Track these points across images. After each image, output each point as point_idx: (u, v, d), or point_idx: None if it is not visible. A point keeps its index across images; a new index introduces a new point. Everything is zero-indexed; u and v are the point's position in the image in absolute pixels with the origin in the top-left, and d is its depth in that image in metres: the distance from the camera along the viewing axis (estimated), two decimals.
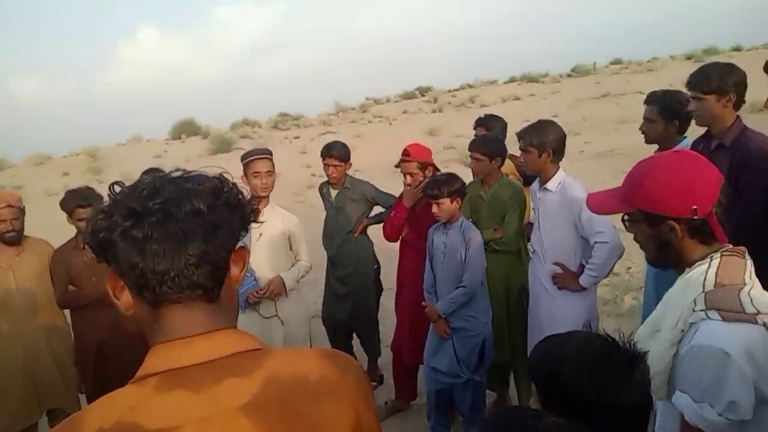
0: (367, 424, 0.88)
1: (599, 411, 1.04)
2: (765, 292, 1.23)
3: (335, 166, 3.75)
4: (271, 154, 3.20)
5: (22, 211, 3.30)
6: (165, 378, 0.79)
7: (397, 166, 3.54)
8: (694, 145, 2.77)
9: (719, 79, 2.50)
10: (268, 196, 3.15)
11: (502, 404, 3.53)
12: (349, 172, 3.92)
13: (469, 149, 3.32)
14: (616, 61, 31.50)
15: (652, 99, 3.07)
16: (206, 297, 0.84)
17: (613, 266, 2.85)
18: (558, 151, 2.86)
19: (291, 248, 3.27)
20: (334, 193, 3.89)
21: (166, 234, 0.79)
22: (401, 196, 3.56)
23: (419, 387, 3.68)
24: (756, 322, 1.17)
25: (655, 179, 1.32)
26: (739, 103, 2.55)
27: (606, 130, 15.44)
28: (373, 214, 3.98)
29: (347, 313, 3.90)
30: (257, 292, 3.05)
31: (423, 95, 28.61)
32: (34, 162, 19.35)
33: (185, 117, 23.98)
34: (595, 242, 2.71)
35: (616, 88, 22.59)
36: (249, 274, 3.03)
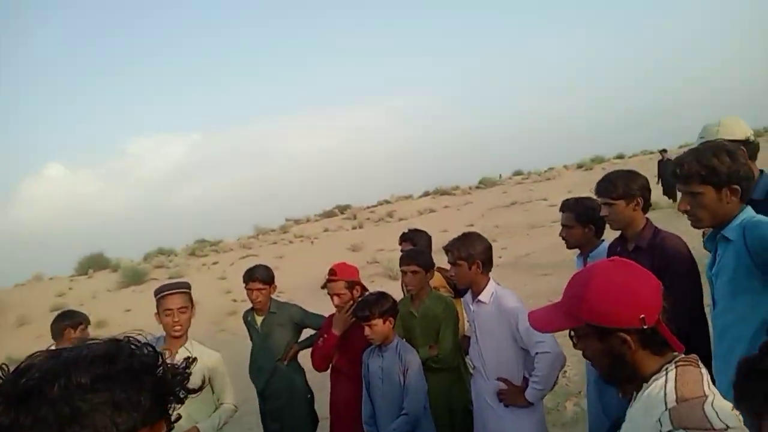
0: None
1: None
2: (725, 401, 1.17)
3: (259, 289, 3.60)
4: (188, 287, 2.97)
5: None
6: None
7: (323, 287, 3.41)
8: (611, 248, 2.87)
9: (624, 185, 2.65)
10: (184, 335, 2.87)
11: None
12: (273, 296, 3.75)
13: (403, 263, 3.26)
14: (518, 172, 34.18)
15: (567, 206, 3.21)
16: None
17: (557, 376, 2.77)
18: (486, 262, 2.86)
19: (213, 391, 2.93)
20: (259, 319, 3.70)
21: (35, 419, 0.65)
22: (329, 318, 3.39)
23: None
24: None
25: (597, 290, 1.29)
26: (647, 205, 2.70)
27: (519, 235, 16.23)
28: (302, 338, 3.78)
29: None
30: None
31: (342, 213, 29.20)
32: None
33: (93, 251, 22.73)
34: (537, 353, 2.64)
35: (521, 197, 24.22)
36: None
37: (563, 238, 3.21)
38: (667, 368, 1.25)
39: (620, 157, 33.32)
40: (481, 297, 2.83)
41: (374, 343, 2.91)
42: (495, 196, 26.62)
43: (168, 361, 0.80)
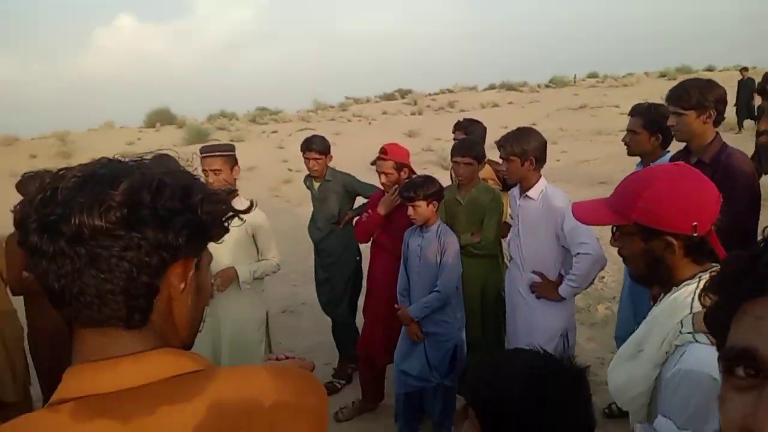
0: None
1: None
2: None
3: (315, 159, 3.80)
4: (226, 149, 3.08)
5: None
6: (83, 404, 0.68)
7: (373, 164, 3.49)
8: (673, 160, 2.77)
9: (699, 95, 2.50)
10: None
11: None
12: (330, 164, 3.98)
13: (457, 153, 3.25)
14: (593, 75, 32.07)
15: (637, 111, 3.07)
16: (126, 325, 0.72)
17: (595, 277, 2.83)
18: (539, 159, 2.83)
19: (257, 246, 3.14)
20: (316, 185, 3.96)
21: (53, 251, 0.67)
22: (377, 193, 3.50)
23: (387, 388, 3.63)
24: None
25: (657, 191, 1.26)
26: (719, 119, 2.56)
27: (582, 140, 15.67)
28: (356, 205, 4.03)
29: (326, 299, 4.03)
30: None
31: (403, 97, 28.66)
32: (1, 143, 18.70)
33: (160, 106, 23.52)
34: (578, 253, 2.68)
35: (592, 101, 22.98)
36: None
37: (626, 144, 3.11)
38: (700, 276, 1.25)
39: (710, 69, 30.58)
40: (529, 193, 2.84)
41: (416, 224, 3.02)
42: (564, 97, 25.32)
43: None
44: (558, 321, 2.81)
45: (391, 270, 3.28)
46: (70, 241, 0.67)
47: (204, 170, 2.96)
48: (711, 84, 2.57)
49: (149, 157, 0.82)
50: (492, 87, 30.78)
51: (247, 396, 0.73)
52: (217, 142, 5.04)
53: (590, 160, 12.58)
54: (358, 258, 4.03)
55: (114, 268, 0.68)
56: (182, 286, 0.75)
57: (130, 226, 0.68)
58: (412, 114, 24.13)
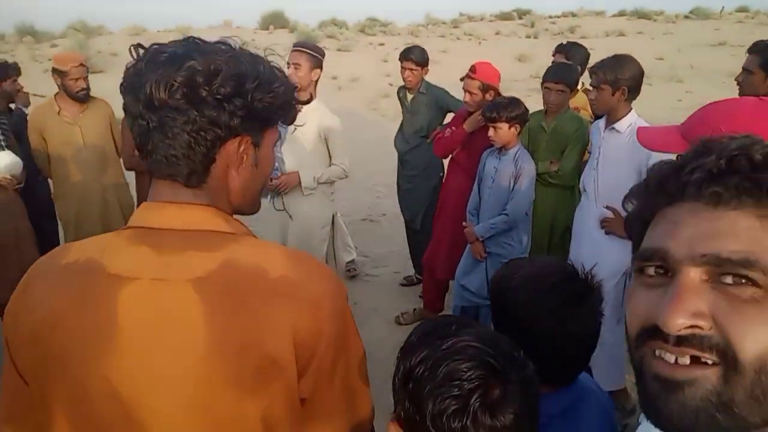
0: (331, 338, 0.84)
1: (540, 336, 1.03)
2: None
3: (412, 69, 3.82)
4: (317, 52, 3.15)
5: (87, 70, 3.58)
6: (137, 232, 0.84)
7: (461, 80, 3.46)
8: None
9: None
10: (306, 91, 3.09)
11: None
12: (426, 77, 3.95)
13: (549, 78, 3.12)
14: (743, 9, 28.16)
15: (756, 48, 2.80)
16: (185, 182, 0.86)
17: None
18: (633, 90, 2.68)
19: (328, 149, 3.25)
20: (410, 97, 3.99)
21: (135, 113, 0.83)
22: (461, 112, 3.49)
23: (448, 302, 3.80)
24: None
25: (735, 127, 1.22)
26: None
27: (712, 82, 14.14)
28: (446, 121, 3.98)
29: (407, 208, 4.17)
30: (271, 180, 3.06)
31: (520, 18, 26.94)
32: (129, 32, 20.05)
33: (275, 8, 23.86)
34: None
35: (735, 38, 20.37)
36: (276, 163, 3.11)
37: (738, 84, 2.87)
38: None
39: None
40: (617, 125, 2.72)
41: (496, 145, 3.02)
42: (703, 31, 22.63)
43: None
44: (622, 258, 2.76)
45: (464, 189, 3.33)
46: (145, 107, 0.81)
47: (288, 63, 3.06)
48: None
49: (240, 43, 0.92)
50: (621, 13, 28.02)
51: (258, 263, 0.83)
52: (329, 51, 5.16)
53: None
54: (441, 174, 4.04)
55: (176, 136, 0.82)
56: (238, 159, 0.87)
57: (189, 103, 0.80)
58: (527, 37, 22.73)
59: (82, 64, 3.51)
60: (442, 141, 3.49)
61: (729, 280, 0.49)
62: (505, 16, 27.87)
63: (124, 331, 0.79)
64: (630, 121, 2.70)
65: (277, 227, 3.30)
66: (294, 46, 3.15)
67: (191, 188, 0.86)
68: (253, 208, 0.96)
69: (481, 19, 27.83)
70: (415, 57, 3.77)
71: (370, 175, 6.91)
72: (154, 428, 0.81)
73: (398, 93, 4.14)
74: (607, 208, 2.80)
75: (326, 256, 3.50)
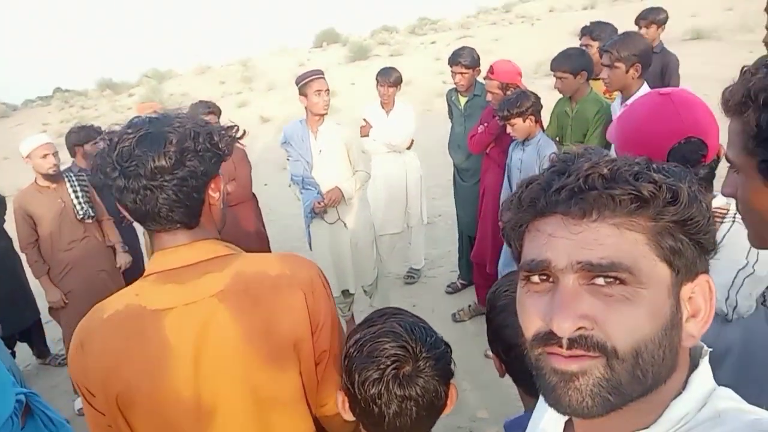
0: (313, 307, 1.12)
1: (516, 356, 1.08)
2: None
3: (462, 73, 3.72)
4: (322, 74, 3.33)
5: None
6: (161, 276, 1.07)
7: (484, 80, 3.52)
8: None
9: None
10: (326, 112, 3.32)
11: None
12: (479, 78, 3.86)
13: (552, 68, 3.17)
14: None
15: None
16: (186, 227, 1.09)
17: None
18: (645, 65, 2.68)
19: (350, 161, 3.45)
20: (463, 100, 3.88)
21: (137, 188, 1.03)
22: (490, 108, 3.54)
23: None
24: None
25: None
26: None
27: None
28: None
29: (468, 218, 4.01)
30: (319, 203, 3.34)
31: None
32: (196, 72, 21.41)
33: (327, 26, 24.52)
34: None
35: None
36: (313, 188, 3.34)
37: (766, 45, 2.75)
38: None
39: None
40: (630, 101, 2.72)
41: (517, 139, 3.08)
42: None
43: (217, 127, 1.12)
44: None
45: (499, 183, 3.40)
46: (148, 179, 1.03)
47: (317, 91, 3.23)
48: None
49: (185, 108, 1.22)
50: None
51: (259, 268, 1.11)
52: (382, 57, 5.26)
53: None
54: None
55: (177, 191, 1.05)
56: (217, 195, 1.13)
57: (182, 164, 1.05)
58: (584, 9, 21.86)
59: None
60: (476, 138, 3.57)
61: (601, 281, 0.58)
62: None
63: (177, 349, 1.03)
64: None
65: (326, 241, 3.53)
66: (313, 75, 3.29)
67: (191, 229, 1.10)
68: (223, 225, 1.20)
69: None
70: (464, 60, 3.68)
71: (426, 177, 7.02)
72: (218, 414, 1.05)
73: (449, 97, 4.05)
74: None
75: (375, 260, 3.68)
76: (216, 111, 3.71)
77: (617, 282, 0.57)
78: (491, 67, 3.34)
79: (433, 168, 7.13)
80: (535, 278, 0.63)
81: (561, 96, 3.30)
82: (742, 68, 0.81)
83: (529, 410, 1.07)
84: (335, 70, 18.19)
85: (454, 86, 3.90)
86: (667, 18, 4.06)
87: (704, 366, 0.63)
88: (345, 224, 3.50)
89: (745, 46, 11.84)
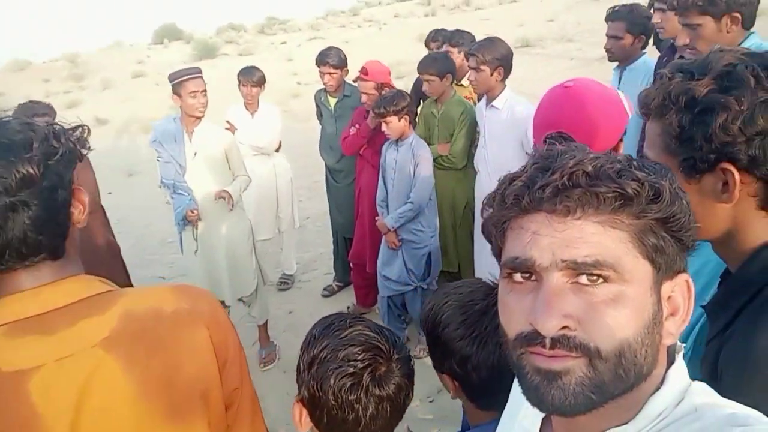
0: (219, 343, 0.97)
1: (480, 366, 1.08)
2: None
3: (330, 73, 3.68)
4: (201, 73, 3.13)
5: None
6: (16, 326, 0.83)
7: (355, 81, 3.54)
8: (660, 58, 2.82)
9: None
10: (202, 115, 3.10)
11: None
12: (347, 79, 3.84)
13: (418, 70, 3.30)
14: None
15: (618, 16, 3.02)
16: (52, 256, 0.87)
17: None
18: (507, 69, 2.88)
19: (229, 166, 3.25)
20: (332, 101, 3.84)
21: None
22: (361, 109, 3.58)
23: None
24: None
25: (581, 128, 1.32)
26: None
27: (599, 35, 14.96)
28: None
29: (346, 221, 3.97)
30: (192, 212, 3.06)
31: None
32: (12, 68, 18.78)
33: (167, 21, 23.01)
34: None
35: None
36: (185, 193, 3.09)
37: (608, 50, 3.10)
38: None
39: None
40: (495, 103, 2.92)
41: (391, 138, 3.14)
42: None
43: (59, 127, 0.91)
44: None
45: (374, 183, 3.45)
46: (11, 195, 0.81)
47: (192, 93, 2.98)
48: None
49: (9, 113, 0.95)
50: None
51: (152, 305, 0.92)
52: (231, 57, 4.96)
53: (603, 57, 12.11)
54: None
55: (46, 208, 0.84)
56: (79, 210, 0.92)
57: (50, 170, 0.84)
58: (426, 16, 23.12)
59: None
60: (349, 140, 3.58)
61: (584, 279, 0.57)
62: None
63: (47, 418, 0.82)
64: (506, 98, 2.91)
65: (202, 262, 3.26)
66: (188, 74, 3.04)
67: (57, 260, 0.88)
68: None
69: (379, 4, 28.02)
70: (331, 60, 3.65)
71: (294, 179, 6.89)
72: None
73: (317, 98, 3.98)
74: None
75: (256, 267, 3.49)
76: (51, 113, 3.25)
77: (601, 280, 0.58)
78: (365, 68, 3.36)
79: (297, 170, 7.03)
80: (518, 276, 0.62)
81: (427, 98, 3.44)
82: (658, 73, 0.89)
83: (484, 423, 1.07)
84: (180, 68, 17.07)
85: (323, 87, 3.87)
86: (473, 39, 3.93)
87: (680, 361, 0.65)
88: (198, 246, 3.22)
89: (565, 54, 13.40)
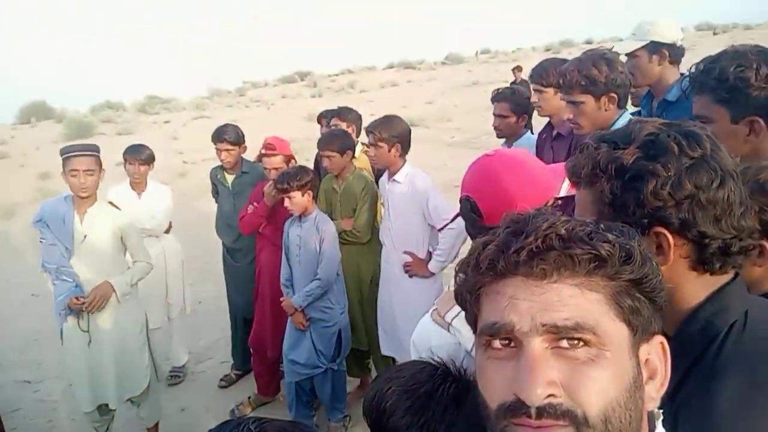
0: None
1: None
2: None
3: (228, 150, 3.60)
4: (97, 150, 2.92)
5: None
6: None
7: (258, 160, 3.47)
8: (540, 134, 3.02)
9: (556, 74, 2.67)
10: (93, 196, 2.88)
11: (363, 389, 3.63)
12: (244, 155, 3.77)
13: (319, 147, 3.33)
14: (485, 51, 33.30)
15: (502, 97, 3.25)
16: None
17: (459, 250, 3.02)
18: (405, 145, 2.98)
19: (126, 250, 3.02)
20: (230, 178, 3.73)
21: None
22: (259, 187, 3.49)
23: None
24: None
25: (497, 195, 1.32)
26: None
27: (475, 116, 16.27)
28: None
29: (244, 301, 3.78)
30: (77, 299, 2.78)
31: (302, 79, 28.28)
32: None
33: (35, 99, 21.58)
34: (442, 229, 2.85)
35: (485, 77, 23.86)
36: (70, 279, 2.78)
37: (496, 128, 3.30)
38: None
39: (589, 42, 32.72)
40: (396, 177, 2.99)
41: (294, 214, 3.06)
42: (459, 74, 26.15)
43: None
44: (429, 295, 2.98)
45: (276, 262, 3.31)
46: None
47: (72, 171, 2.76)
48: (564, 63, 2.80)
49: None
50: (391, 66, 31.09)
51: None
52: (109, 137, 4.72)
53: (483, 135, 13.10)
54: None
55: None
56: None
57: None
58: (312, 97, 23.89)
59: None
60: (247, 218, 3.44)
61: (565, 344, 0.56)
62: (288, 79, 29.00)
63: None
64: (406, 172, 3.00)
65: (82, 346, 2.88)
66: (72, 151, 2.82)
67: None
68: None
69: (265, 85, 28.57)
70: (229, 137, 3.58)
71: (186, 261, 6.48)
72: None
73: (213, 175, 3.87)
74: (406, 253, 3.02)
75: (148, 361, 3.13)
76: None
77: (581, 344, 0.56)
78: (271, 144, 3.31)
79: (188, 251, 6.64)
80: (497, 343, 0.60)
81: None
82: (582, 144, 0.91)
83: None
84: (50, 148, 15.95)
85: (219, 164, 3.76)
86: (358, 117, 4.15)
87: (660, 428, 0.64)
88: (91, 339, 2.88)
89: (446, 132, 14.35)
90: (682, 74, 2.77)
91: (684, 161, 0.82)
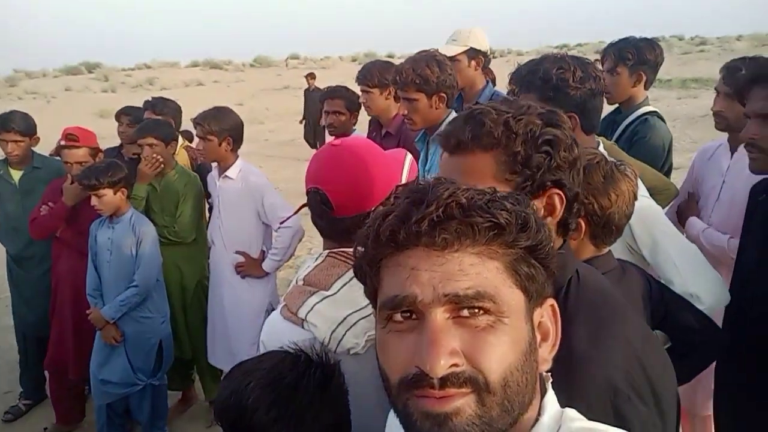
0: None
1: None
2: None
3: (16, 141, 3.07)
4: None
5: None
6: None
7: (56, 154, 2.99)
8: (369, 133, 3.11)
9: (379, 75, 2.83)
10: None
11: (187, 402, 3.37)
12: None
13: (138, 134, 2.99)
14: (294, 56, 33.52)
15: (337, 94, 3.28)
16: None
17: (295, 249, 2.96)
18: (237, 139, 2.84)
19: None
20: (16, 174, 3.18)
21: None
22: (54, 183, 3.02)
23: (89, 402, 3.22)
24: None
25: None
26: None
27: (288, 120, 16.25)
28: None
29: (37, 317, 3.23)
30: None
31: (91, 71, 25.36)
32: None
33: None
34: (278, 227, 2.77)
35: (294, 82, 23.96)
36: None
37: (330, 125, 3.30)
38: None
39: (390, 56, 35.01)
40: (228, 173, 2.83)
41: (104, 215, 2.71)
42: (269, 78, 25.86)
43: None
44: (262, 296, 2.90)
45: (78, 270, 2.90)
46: None
47: None
48: (388, 64, 2.94)
49: None
50: (195, 64, 29.45)
51: None
52: None
53: (296, 139, 13.14)
54: None
55: None
56: None
57: None
58: (104, 91, 21.54)
59: None
60: (39, 220, 2.94)
61: (466, 312, 0.57)
62: (72, 71, 25.75)
63: None
64: (239, 167, 2.85)
65: None
66: None
67: None
68: None
69: (44, 75, 25.01)
70: (17, 126, 3.06)
71: None
72: None
73: None
74: (238, 253, 2.87)
75: None
76: None
77: (481, 312, 0.57)
78: (73, 135, 2.86)
79: None
80: (398, 316, 0.59)
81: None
82: (472, 111, 0.96)
83: None
84: None
85: (3, 158, 3.17)
86: (177, 109, 3.85)
87: (551, 390, 0.67)
88: None
89: (260, 135, 14.05)
90: (487, 81, 3.13)
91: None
